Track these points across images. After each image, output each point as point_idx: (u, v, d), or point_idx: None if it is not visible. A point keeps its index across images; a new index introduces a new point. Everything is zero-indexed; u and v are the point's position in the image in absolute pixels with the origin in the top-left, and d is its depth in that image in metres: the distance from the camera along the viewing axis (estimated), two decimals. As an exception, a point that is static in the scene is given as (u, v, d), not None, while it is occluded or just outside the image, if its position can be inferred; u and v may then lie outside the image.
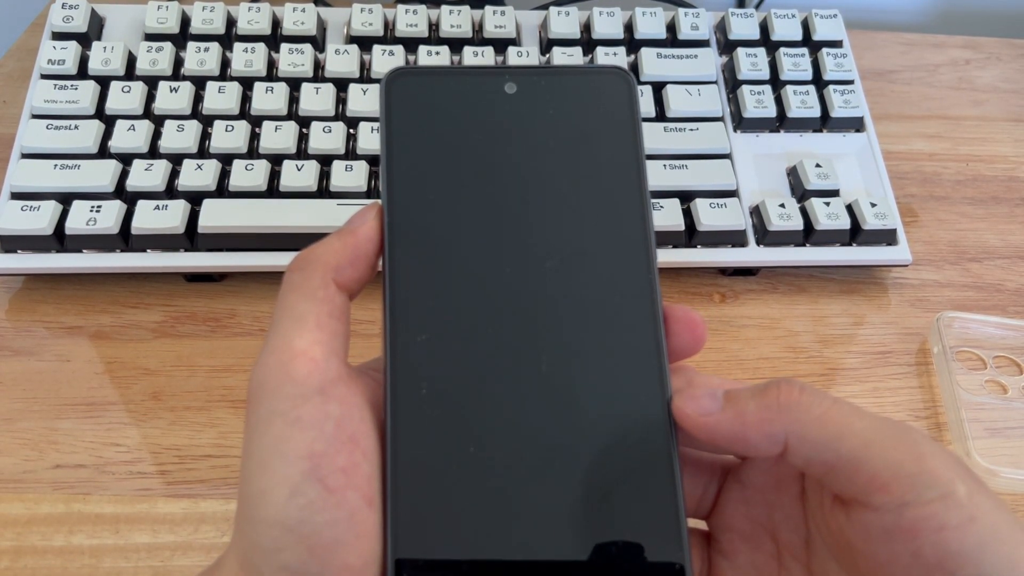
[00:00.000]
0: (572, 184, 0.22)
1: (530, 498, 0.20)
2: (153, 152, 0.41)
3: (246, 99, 0.43)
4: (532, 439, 0.20)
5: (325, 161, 0.41)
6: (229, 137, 0.41)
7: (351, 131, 0.42)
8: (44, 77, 0.42)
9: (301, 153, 0.42)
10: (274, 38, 0.46)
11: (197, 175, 0.40)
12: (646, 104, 0.44)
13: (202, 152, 0.41)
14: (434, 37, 0.46)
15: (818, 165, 0.43)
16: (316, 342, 0.19)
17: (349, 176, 0.40)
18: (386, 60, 0.44)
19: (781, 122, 0.45)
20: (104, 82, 0.42)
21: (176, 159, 0.41)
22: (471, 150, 0.22)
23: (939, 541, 0.17)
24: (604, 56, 0.46)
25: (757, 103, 0.44)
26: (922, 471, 0.17)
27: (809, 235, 0.41)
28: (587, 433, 0.20)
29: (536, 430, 0.20)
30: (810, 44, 0.48)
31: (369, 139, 0.41)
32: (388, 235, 0.21)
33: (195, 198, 0.40)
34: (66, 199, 0.39)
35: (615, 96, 0.23)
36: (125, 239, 0.39)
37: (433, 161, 0.22)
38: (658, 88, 0.45)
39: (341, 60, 0.44)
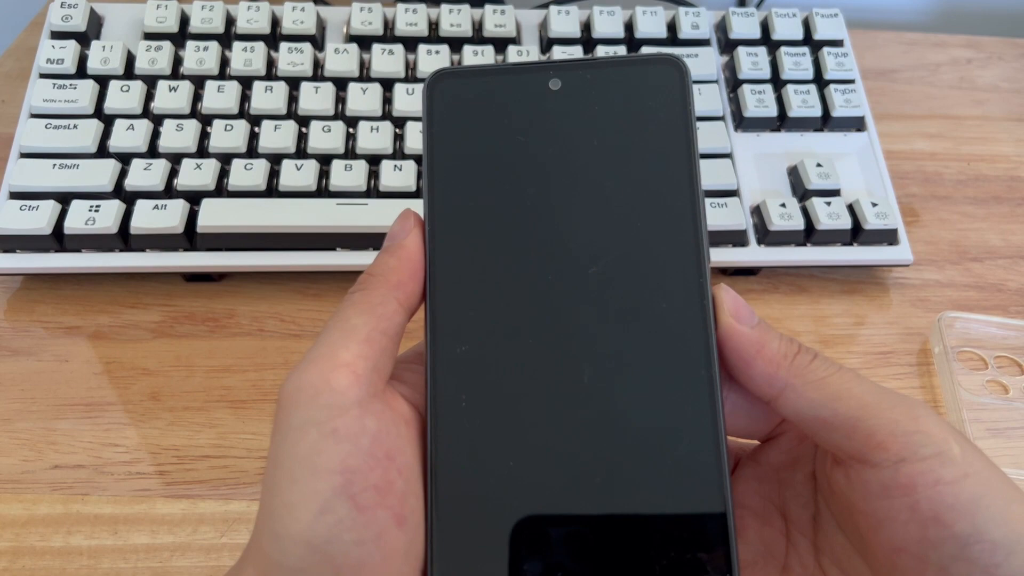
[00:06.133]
0: (622, 184, 0.21)
1: (571, 514, 0.19)
2: (152, 151, 0.41)
3: (245, 98, 0.43)
4: (574, 452, 0.19)
5: (324, 160, 0.41)
6: (228, 136, 0.41)
7: (350, 130, 0.42)
8: (43, 76, 0.42)
9: (300, 152, 0.41)
10: (273, 37, 0.46)
11: (196, 174, 0.40)
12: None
13: (201, 151, 0.41)
14: (434, 36, 0.46)
15: (819, 165, 0.43)
16: (362, 356, 0.19)
17: (349, 175, 0.40)
18: (385, 59, 0.44)
19: (782, 121, 0.45)
20: (103, 81, 0.42)
21: (175, 158, 0.40)
22: (515, 152, 0.21)
23: (934, 495, 0.17)
24: (605, 55, 0.46)
25: (758, 102, 0.44)
26: (918, 430, 0.18)
27: (810, 235, 0.41)
28: (633, 445, 0.20)
29: (578, 442, 0.20)
30: (811, 43, 0.47)
31: (368, 138, 0.41)
32: (430, 242, 0.21)
33: (194, 198, 0.39)
34: (65, 199, 0.39)
35: (666, 86, 0.21)
36: (124, 239, 0.39)
37: (477, 165, 0.21)
38: (658, 87, 0.45)
39: (340, 59, 0.44)
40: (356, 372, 0.18)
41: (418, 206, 0.22)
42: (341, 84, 0.44)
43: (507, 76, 0.22)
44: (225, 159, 0.41)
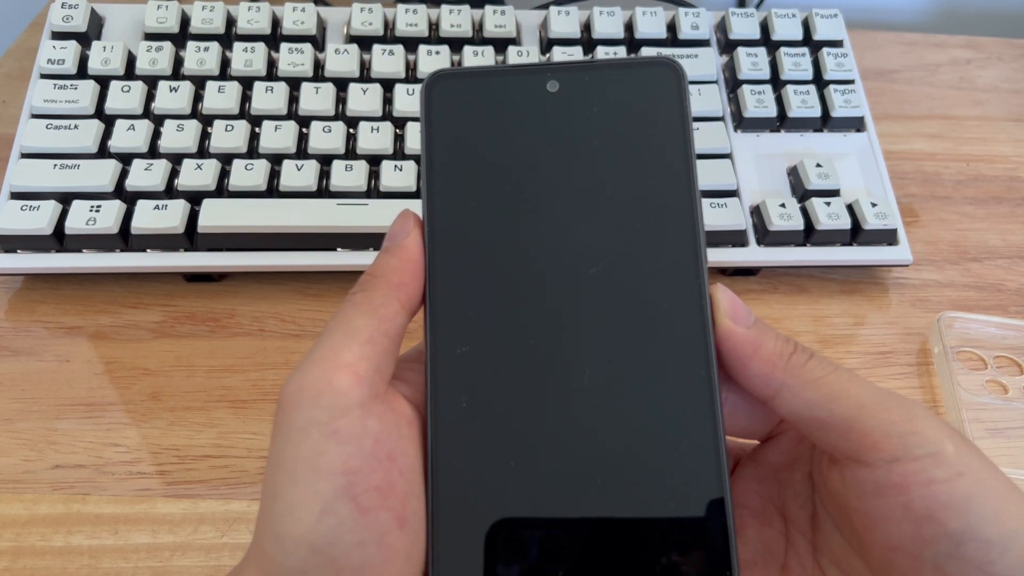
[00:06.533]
0: (620, 186, 0.21)
1: (573, 514, 0.19)
2: (153, 152, 0.41)
3: (246, 99, 0.43)
4: (574, 453, 0.20)
5: (325, 161, 0.41)
6: (229, 137, 0.41)
7: (351, 131, 0.42)
8: (44, 77, 0.42)
9: (301, 153, 0.42)
10: (274, 37, 0.46)
11: (197, 175, 0.40)
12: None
13: (202, 152, 0.41)
14: (434, 37, 0.46)
15: (819, 165, 0.43)
16: (364, 357, 0.19)
17: (349, 176, 0.40)
18: (386, 60, 0.44)
19: (782, 122, 0.45)
20: (104, 82, 0.42)
21: (176, 159, 0.41)
22: (513, 153, 0.21)
23: (928, 494, 0.17)
24: (605, 56, 0.46)
25: (758, 103, 0.44)
26: (913, 431, 0.18)
27: (810, 235, 0.41)
28: (633, 445, 0.20)
29: (578, 443, 0.20)
30: (811, 44, 0.48)
31: (369, 138, 0.41)
32: (429, 243, 0.21)
33: (195, 198, 0.40)
34: (66, 199, 0.39)
35: (663, 89, 0.22)
36: (125, 239, 0.39)
37: (475, 166, 0.21)
38: (658, 88, 0.45)
39: (341, 60, 0.44)
40: (358, 373, 0.18)
41: (419, 206, 0.22)
42: (341, 84, 0.44)
43: (505, 77, 0.22)
44: (226, 159, 0.41)
